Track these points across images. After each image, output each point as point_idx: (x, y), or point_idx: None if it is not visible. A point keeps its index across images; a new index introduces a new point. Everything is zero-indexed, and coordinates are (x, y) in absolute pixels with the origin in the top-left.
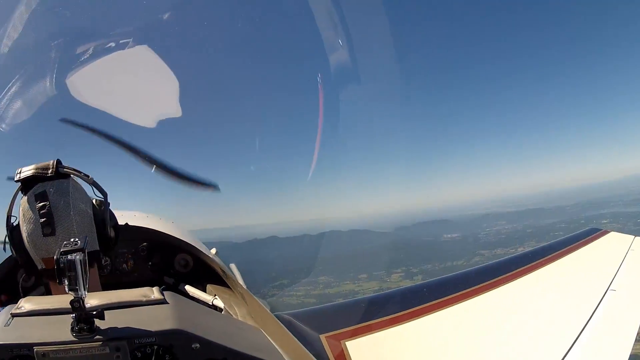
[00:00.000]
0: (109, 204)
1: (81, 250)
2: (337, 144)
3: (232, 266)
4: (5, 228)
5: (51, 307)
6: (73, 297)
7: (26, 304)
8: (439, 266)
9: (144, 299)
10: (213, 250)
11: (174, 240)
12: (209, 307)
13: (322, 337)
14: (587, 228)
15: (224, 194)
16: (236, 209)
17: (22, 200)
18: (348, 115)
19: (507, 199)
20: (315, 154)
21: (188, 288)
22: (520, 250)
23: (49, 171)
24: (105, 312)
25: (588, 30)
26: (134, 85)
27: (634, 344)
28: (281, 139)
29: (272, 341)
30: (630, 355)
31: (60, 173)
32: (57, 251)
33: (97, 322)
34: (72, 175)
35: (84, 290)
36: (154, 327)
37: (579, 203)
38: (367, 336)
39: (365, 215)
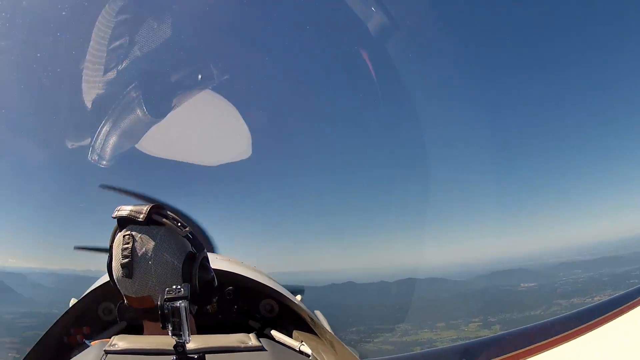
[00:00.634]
0: (204, 258)
1: (185, 298)
2: (416, 195)
3: (318, 313)
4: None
5: (148, 348)
6: (176, 342)
7: (120, 342)
8: (517, 315)
9: (242, 345)
10: (298, 297)
11: (259, 285)
12: (298, 353)
13: None
14: None
15: (304, 240)
16: (315, 253)
17: (117, 236)
18: (430, 171)
19: (582, 247)
20: (394, 206)
21: (274, 333)
22: (597, 299)
23: (141, 216)
24: (206, 356)
25: None
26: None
27: None
28: (363, 193)
29: None
30: None
31: (152, 219)
32: (159, 297)
33: None
34: (166, 225)
35: (188, 336)
36: None
37: None
38: None
39: (443, 263)
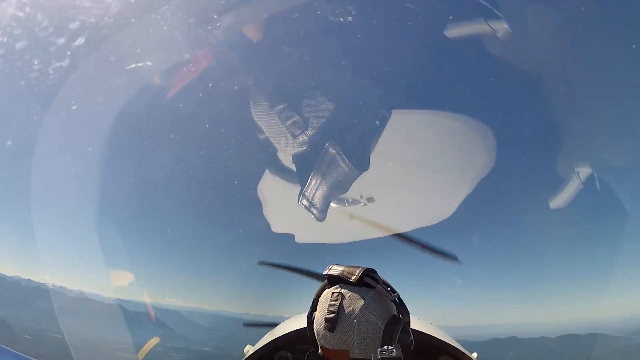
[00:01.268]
0: (407, 322)
1: (399, 359)
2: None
3: None
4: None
5: None
6: None
7: None
8: None
9: None
10: (474, 355)
11: (436, 341)
12: None
13: None
14: None
15: (470, 293)
16: (477, 307)
17: (326, 291)
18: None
19: None
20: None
21: None
22: None
23: (353, 277)
24: None
25: None
26: None
27: None
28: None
29: None
30: None
31: (363, 282)
32: (373, 355)
33: None
34: (376, 288)
35: None
36: None
37: None
38: None
39: (601, 317)
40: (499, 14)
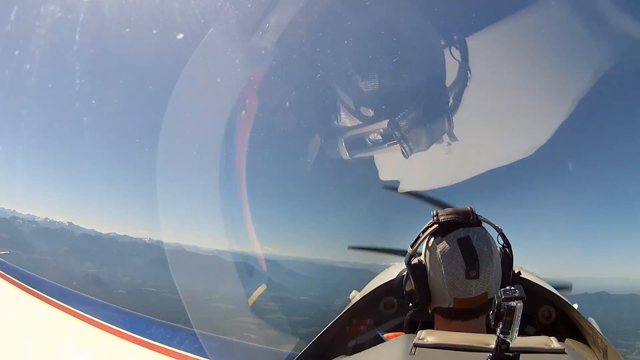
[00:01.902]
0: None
1: (522, 299)
2: None
3: (592, 320)
4: (406, 265)
5: (462, 344)
6: (500, 340)
7: (428, 336)
8: None
9: (546, 347)
10: (575, 306)
11: (540, 289)
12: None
13: None
14: None
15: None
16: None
17: (440, 243)
18: None
19: None
20: None
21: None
22: None
23: (471, 218)
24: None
25: None
26: None
27: None
28: None
29: None
30: None
31: (478, 221)
32: (496, 296)
33: None
34: (483, 224)
35: (515, 335)
36: None
37: None
38: None
39: None
40: None
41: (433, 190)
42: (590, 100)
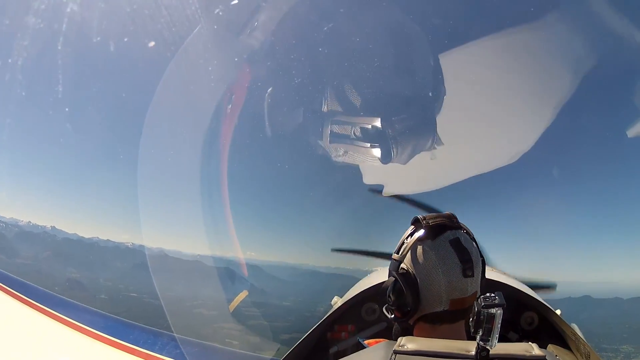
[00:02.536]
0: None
1: (502, 306)
2: None
3: (574, 326)
4: (396, 274)
5: (440, 351)
6: (479, 347)
7: (409, 343)
8: None
9: (527, 354)
10: (558, 311)
11: (523, 296)
12: None
13: None
14: None
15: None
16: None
17: (433, 246)
18: None
19: None
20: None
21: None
22: None
23: (455, 221)
24: None
25: None
26: None
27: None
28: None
29: None
30: None
31: (459, 224)
32: (475, 303)
33: None
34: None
35: (495, 342)
36: None
37: None
38: None
39: None
40: None
41: (417, 194)
42: (572, 106)
